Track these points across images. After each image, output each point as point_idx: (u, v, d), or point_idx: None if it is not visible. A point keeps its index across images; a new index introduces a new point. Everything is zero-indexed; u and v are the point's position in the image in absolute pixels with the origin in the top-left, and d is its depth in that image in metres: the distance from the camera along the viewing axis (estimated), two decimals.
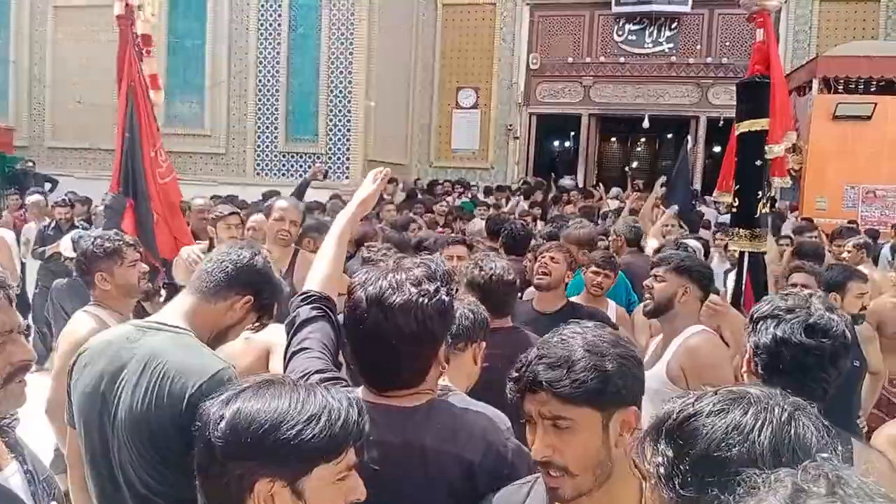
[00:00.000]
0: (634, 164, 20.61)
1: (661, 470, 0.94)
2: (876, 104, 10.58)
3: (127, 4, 4.75)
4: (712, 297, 3.05)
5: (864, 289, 3.39)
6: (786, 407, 0.95)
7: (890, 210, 10.81)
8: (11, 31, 14.44)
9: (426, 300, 1.44)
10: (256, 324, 2.02)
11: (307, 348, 1.64)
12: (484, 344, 1.98)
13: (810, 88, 11.13)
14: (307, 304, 1.74)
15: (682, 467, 0.93)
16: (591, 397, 1.23)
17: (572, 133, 17.37)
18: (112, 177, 4.85)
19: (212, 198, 6.37)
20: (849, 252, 5.42)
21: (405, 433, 1.44)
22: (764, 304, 1.78)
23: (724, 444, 0.91)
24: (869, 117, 10.63)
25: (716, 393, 0.99)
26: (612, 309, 4.02)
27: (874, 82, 10.85)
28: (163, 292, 4.46)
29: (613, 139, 20.46)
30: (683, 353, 2.66)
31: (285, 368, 1.66)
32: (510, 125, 15.35)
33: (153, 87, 4.98)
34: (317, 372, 1.57)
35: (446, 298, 1.48)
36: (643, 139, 20.39)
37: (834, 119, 10.73)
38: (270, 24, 13.10)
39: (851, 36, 13.38)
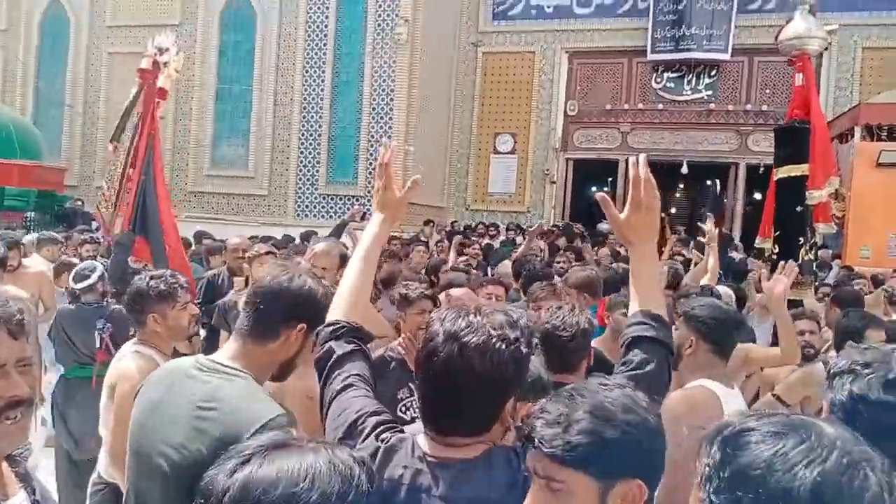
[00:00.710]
0: (673, 211, 20.46)
1: (706, 471, 0.95)
2: None
3: (155, 62, 5.18)
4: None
5: (882, 337, 3.25)
6: (853, 452, 0.90)
7: None
8: (68, 76, 15.12)
9: (503, 345, 1.39)
10: None
11: (353, 385, 1.59)
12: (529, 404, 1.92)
13: (853, 136, 11.03)
14: (338, 337, 1.68)
15: (722, 474, 0.93)
16: (585, 463, 1.15)
17: (609, 179, 17.37)
18: (124, 216, 5.13)
19: (250, 238, 6.49)
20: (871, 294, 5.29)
21: (470, 489, 1.36)
22: (841, 359, 1.72)
23: (765, 466, 0.90)
24: None
25: (787, 416, 0.98)
26: None
27: None
28: (202, 332, 4.54)
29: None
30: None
31: (327, 408, 1.60)
32: (547, 170, 15.43)
33: (161, 98, 5.39)
34: (372, 414, 1.52)
35: (524, 350, 1.43)
36: (682, 185, 20.26)
37: (877, 167, 10.58)
38: (315, 71, 13.49)
39: (894, 83, 13.25)
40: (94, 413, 2.98)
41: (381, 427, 1.50)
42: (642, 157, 1.69)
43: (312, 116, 13.54)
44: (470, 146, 15.92)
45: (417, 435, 1.47)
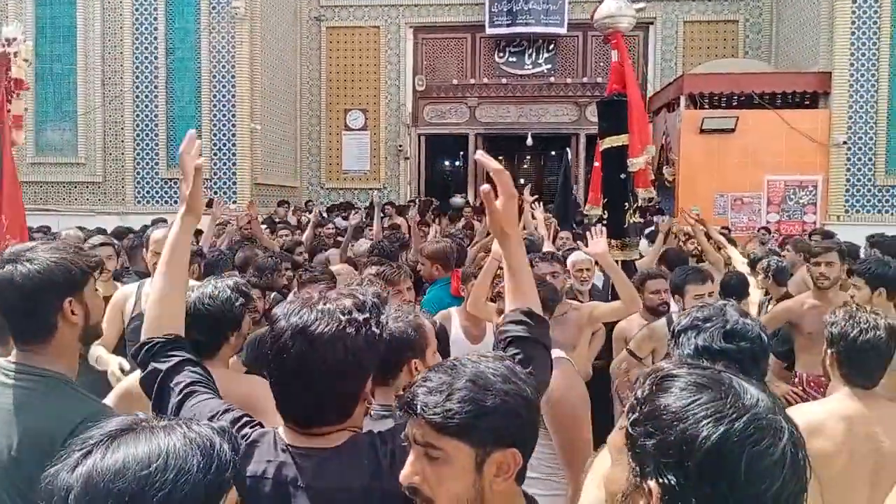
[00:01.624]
0: (522, 181, 21.16)
1: (633, 402, 1.01)
2: (738, 118, 11.35)
3: (3, 53, 4.95)
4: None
5: (702, 290, 3.53)
6: (764, 420, 0.95)
7: (756, 216, 11.58)
8: None
9: (354, 331, 1.37)
10: None
11: (193, 392, 1.51)
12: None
13: (678, 105, 11.82)
14: (155, 354, 1.59)
15: (642, 409, 0.98)
16: (461, 430, 1.17)
17: (461, 153, 17.69)
18: None
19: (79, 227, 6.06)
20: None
21: (334, 476, 1.36)
22: (683, 318, 1.85)
23: (677, 411, 0.94)
24: (733, 130, 11.39)
25: (719, 371, 1.02)
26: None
27: (735, 97, 11.65)
28: None
29: (501, 158, 20.95)
30: None
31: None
32: (400, 146, 15.47)
33: (16, 127, 5.17)
34: (226, 411, 1.46)
35: (376, 330, 1.41)
36: (529, 157, 21.00)
37: (701, 133, 11.43)
38: (146, 47, 12.69)
39: (714, 55, 14.35)
40: None
41: (239, 423, 1.45)
42: (480, 153, 1.70)
43: (147, 96, 12.75)
44: (321, 123, 15.65)
45: (279, 427, 1.44)
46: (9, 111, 5.00)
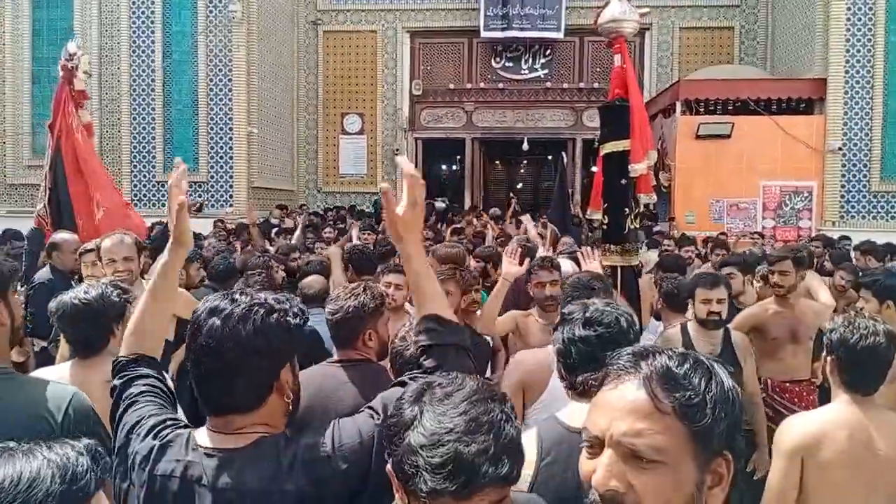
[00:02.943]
0: (519, 186, 21.23)
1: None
2: (733, 123, 11.42)
3: (64, 66, 5.73)
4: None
5: (710, 295, 3.50)
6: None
7: (752, 221, 11.63)
8: None
9: (265, 313, 1.42)
10: None
11: (133, 402, 1.56)
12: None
13: (674, 110, 11.88)
14: (119, 372, 1.65)
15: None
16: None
17: (458, 157, 17.72)
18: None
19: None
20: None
21: (234, 476, 1.37)
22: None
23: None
24: (728, 136, 11.45)
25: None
26: None
27: (731, 103, 11.71)
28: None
29: (498, 162, 21.02)
30: None
31: (116, 432, 1.55)
32: (397, 149, 15.49)
33: (89, 135, 5.86)
34: (151, 416, 1.50)
35: (292, 320, 1.45)
36: (525, 161, 21.05)
37: (697, 138, 11.49)
38: (143, 50, 12.68)
39: (710, 61, 14.43)
40: None
41: (161, 426, 1.48)
42: (400, 158, 1.70)
43: (144, 99, 12.74)
44: (318, 127, 15.66)
45: (198, 429, 1.47)
46: (77, 117, 5.71)
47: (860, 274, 4.06)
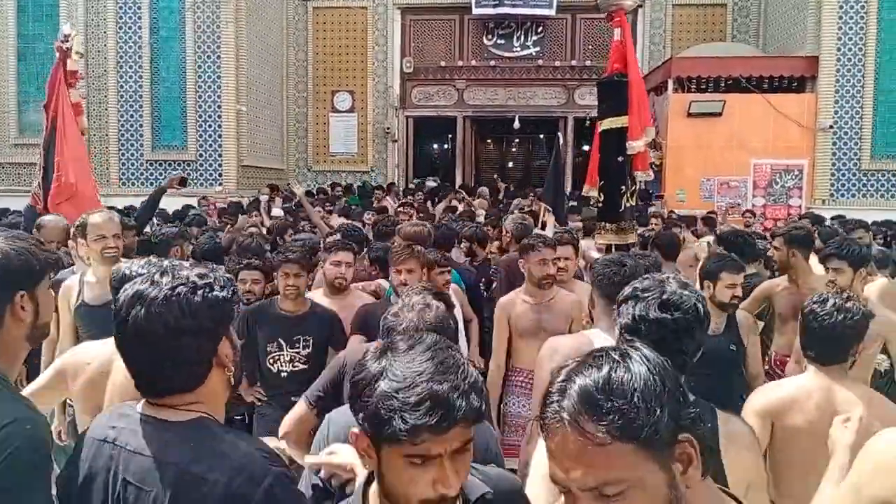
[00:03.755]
0: (510, 165, 21.18)
1: None
2: (725, 101, 11.40)
3: (59, 48, 5.71)
4: None
5: (736, 280, 3.48)
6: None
7: (742, 200, 11.67)
8: None
9: (190, 291, 1.37)
10: None
11: None
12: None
13: (666, 88, 11.84)
14: None
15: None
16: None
17: (449, 136, 17.63)
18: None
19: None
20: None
21: (158, 449, 1.36)
22: (627, 288, 1.88)
23: None
24: (720, 114, 11.45)
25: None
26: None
27: (723, 81, 11.69)
28: None
29: (489, 141, 20.93)
30: None
31: None
32: (388, 128, 15.39)
33: (78, 114, 5.87)
34: None
35: (219, 293, 1.41)
36: (517, 140, 20.97)
37: (688, 116, 11.48)
38: (130, 28, 12.48)
39: (702, 39, 14.37)
40: None
41: None
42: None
43: (131, 77, 12.56)
44: (307, 105, 15.52)
45: (139, 401, 1.45)
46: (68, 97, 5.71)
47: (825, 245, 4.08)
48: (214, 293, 1.40)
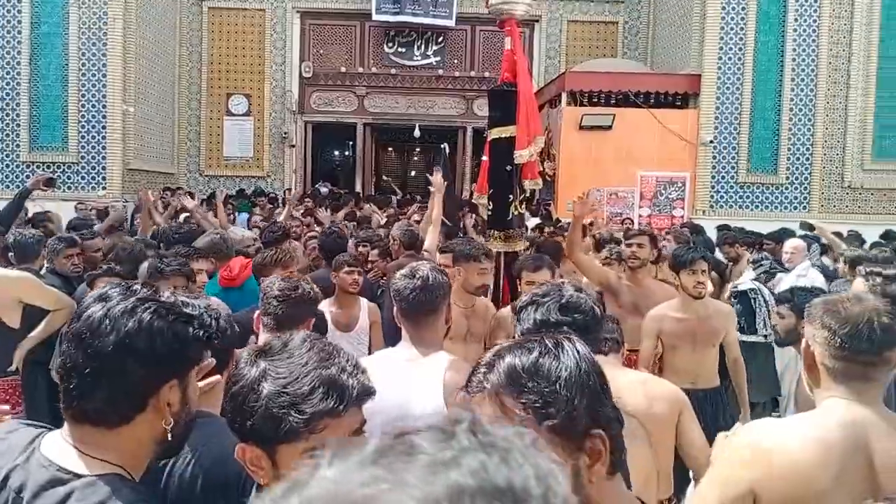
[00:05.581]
0: (412, 173, 21.26)
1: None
2: (615, 115, 11.85)
3: None
4: None
5: (534, 277, 3.75)
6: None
7: (629, 210, 12.14)
8: None
9: (162, 310, 1.25)
10: None
11: None
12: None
13: (560, 101, 12.20)
14: None
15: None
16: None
17: (349, 142, 17.49)
18: None
19: None
20: None
21: (43, 500, 1.19)
22: (524, 295, 1.96)
23: None
24: (610, 127, 11.88)
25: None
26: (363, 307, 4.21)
27: (613, 96, 12.14)
28: None
29: (391, 149, 20.94)
30: None
31: None
32: (286, 133, 15.10)
33: None
34: None
35: (194, 330, 1.26)
36: (418, 149, 21.08)
37: (580, 129, 11.85)
38: (8, 21, 11.71)
39: (595, 54, 14.91)
40: None
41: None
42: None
43: (8, 73, 11.77)
44: (200, 108, 15.01)
45: (52, 433, 1.29)
46: None
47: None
48: (189, 327, 1.25)
